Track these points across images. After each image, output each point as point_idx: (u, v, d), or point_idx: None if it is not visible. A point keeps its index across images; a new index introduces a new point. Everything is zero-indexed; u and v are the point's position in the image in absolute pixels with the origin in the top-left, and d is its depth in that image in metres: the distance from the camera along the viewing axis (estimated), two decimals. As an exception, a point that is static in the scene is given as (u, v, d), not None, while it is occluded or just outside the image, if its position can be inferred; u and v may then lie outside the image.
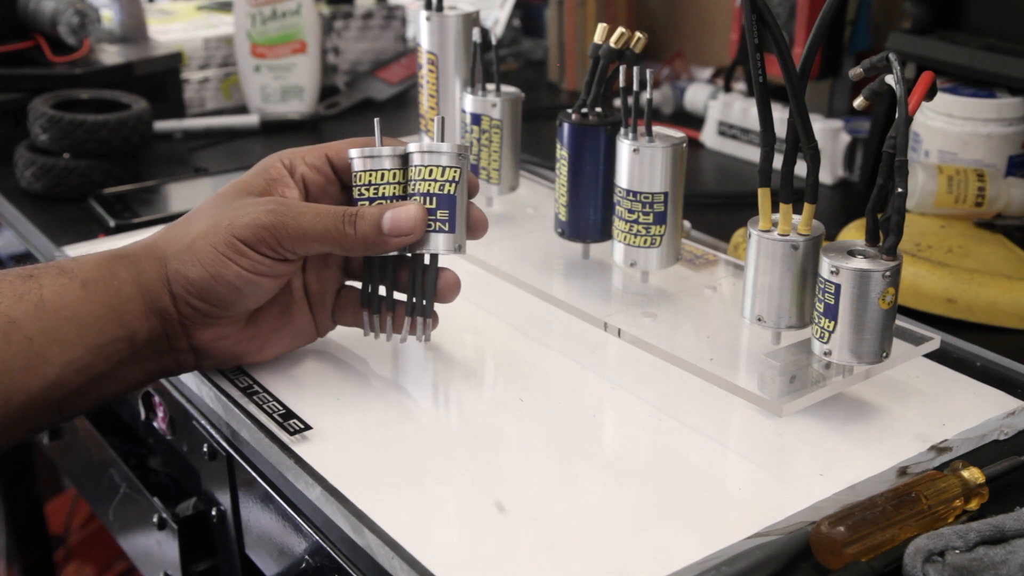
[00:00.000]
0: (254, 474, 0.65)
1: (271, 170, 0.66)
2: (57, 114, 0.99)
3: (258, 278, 0.62)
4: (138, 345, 0.63)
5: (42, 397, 0.60)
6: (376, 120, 0.66)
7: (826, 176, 1.05)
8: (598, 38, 0.74)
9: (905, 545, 0.53)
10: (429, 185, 0.64)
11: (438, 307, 0.67)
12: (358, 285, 0.69)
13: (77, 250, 0.86)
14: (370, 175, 0.64)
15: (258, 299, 0.64)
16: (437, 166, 0.64)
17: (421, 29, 0.87)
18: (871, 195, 0.59)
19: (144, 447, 0.90)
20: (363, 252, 0.64)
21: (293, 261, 0.63)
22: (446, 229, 0.64)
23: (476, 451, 0.61)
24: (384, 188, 0.64)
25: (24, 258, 0.98)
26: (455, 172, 0.64)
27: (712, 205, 1.00)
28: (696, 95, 1.22)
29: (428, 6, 0.86)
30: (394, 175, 0.65)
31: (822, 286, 0.61)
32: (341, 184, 0.67)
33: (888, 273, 0.60)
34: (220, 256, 0.61)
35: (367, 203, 0.64)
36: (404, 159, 0.65)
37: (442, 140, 0.65)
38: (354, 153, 0.65)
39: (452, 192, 0.64)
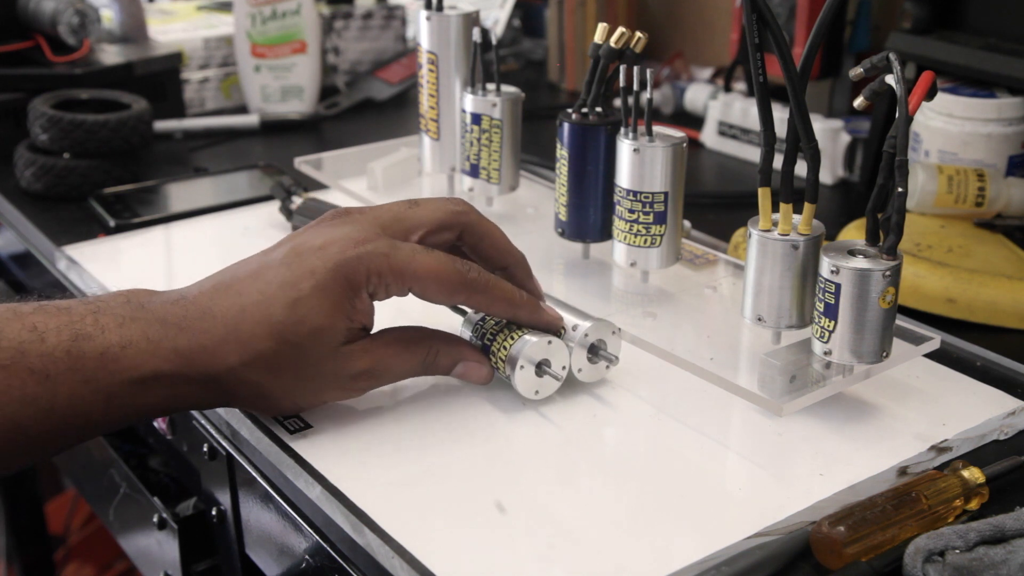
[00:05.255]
0: (254, 473, 0.65)
1: (358, 308, 0.60)
2: (57, 114, 0.99)
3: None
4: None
5: (25, 464, 0.58)
6: None
7: (826, 176, 1.05)
8: (598, 38, 0.74)
9: (905, 545, 0.53)
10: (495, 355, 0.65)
11: None
12: None
13: (77, 250, 0.86)
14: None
15: None
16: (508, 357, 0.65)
17: (421, 29, 0.87)
18: (871, 195, 0.59)
19: (144, 447, 0.90)
20: None
21: None
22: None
23: (476, 451, 0.61)
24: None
25: (24, 258, 0.98)
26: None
27: (712, 205, 1.00)
28: (696, 95, 1.22)
29: (428, 6, 0.86)
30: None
31: (822, 286, 0.61)
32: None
33: (888, 273, 0.60)
34: (300, 409, 0.62)
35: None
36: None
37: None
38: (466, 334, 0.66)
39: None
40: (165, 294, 0.60)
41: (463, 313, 0.67)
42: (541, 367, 0.64)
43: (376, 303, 0.61)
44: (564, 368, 0.64)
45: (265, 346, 0.58)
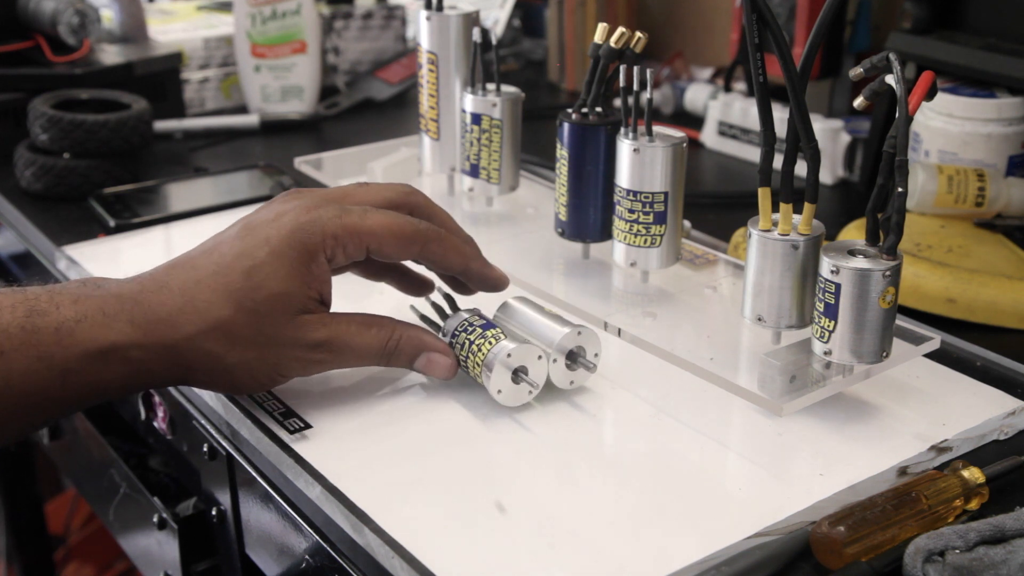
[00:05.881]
0: (254, 473, 0.65)
1: (315, 274, 0.60)
2: (57, 114, 0.99)
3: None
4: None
5: None
6: None
7: (826, 176, 1.05)
8: (598, 38, 0.74)
9: (905, 545, 0.53)
10: (468, 363, 0.65)
11: None
12: None
13: (77, 250, 0.86)
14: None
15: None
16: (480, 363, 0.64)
17: (421, 29, 0.87)
18: (871, 195, 0.59)
19: (144, 447, 0.90)
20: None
21: None
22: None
23: (476, 451, 0.61)
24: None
25: (24, 258, 0.98)
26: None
27: (712, 205, 1.00)
28: (696, 95, 1.22)
29: (428, 6, 0.86)
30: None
31: (822, 286, 0.61)
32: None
33: (888, 272, 0.60)
34: (261, 386, 0.62)
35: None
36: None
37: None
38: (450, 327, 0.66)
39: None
40: (122, 278, 0.61)
41: (437, 328, 0.67)
42: (517, 374, 0.64)
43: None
44: (540, 358, 0.64)
45: (223, 314, 0.58)
